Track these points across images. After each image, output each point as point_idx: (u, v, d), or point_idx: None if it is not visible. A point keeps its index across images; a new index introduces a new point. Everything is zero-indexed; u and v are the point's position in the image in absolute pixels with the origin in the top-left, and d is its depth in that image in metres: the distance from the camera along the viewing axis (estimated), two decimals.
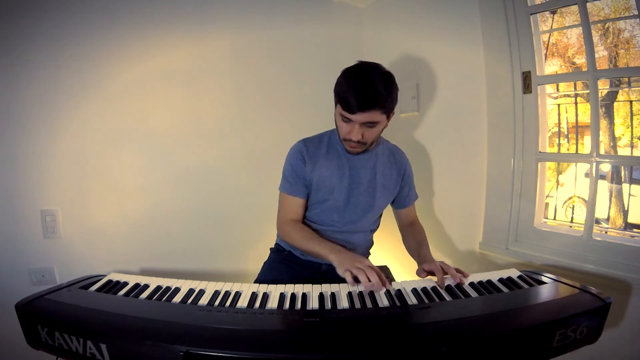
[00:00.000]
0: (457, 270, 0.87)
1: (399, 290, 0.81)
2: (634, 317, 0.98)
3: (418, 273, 0.93)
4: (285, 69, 1.59)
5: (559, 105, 1.92)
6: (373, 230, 1.21)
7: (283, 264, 1.14)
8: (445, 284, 0.84)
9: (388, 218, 1.74)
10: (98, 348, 0.63)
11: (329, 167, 1.08)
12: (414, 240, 1.13)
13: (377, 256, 1.75)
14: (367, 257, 1.22)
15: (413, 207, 1.23)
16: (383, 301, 0.77)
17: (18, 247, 1.25)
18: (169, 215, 1.45)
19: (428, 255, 1.01)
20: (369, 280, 0.80)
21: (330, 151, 1.10)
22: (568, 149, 1.97)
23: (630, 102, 1.91)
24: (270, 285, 0.85)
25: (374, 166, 1.11)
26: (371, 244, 1.24)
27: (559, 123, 1.99)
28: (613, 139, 1.96)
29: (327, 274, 1.10)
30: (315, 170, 1.08)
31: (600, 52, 1.85)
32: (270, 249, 1.24)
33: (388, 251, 1.74)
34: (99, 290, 0.84)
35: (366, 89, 0.92)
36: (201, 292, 0.81)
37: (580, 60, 1.94)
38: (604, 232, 1.27)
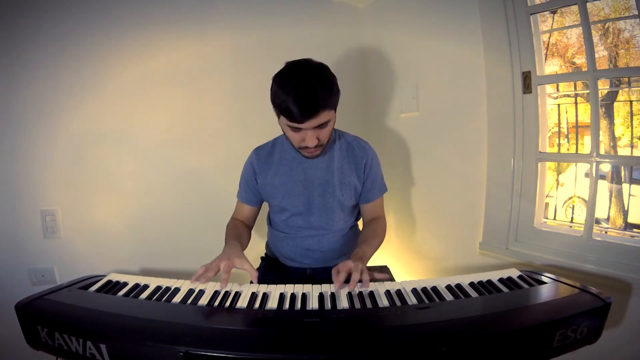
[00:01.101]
0: (374, 273, 0.87)
1: (399, 290, 0.81)
2: (634, 317, 0.98)
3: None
4: None
5: (559, 105, 1.93)
6: (351, 224, 1.16)
7: (271, 271, 1.16)
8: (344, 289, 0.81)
9: (386, 217, 1.74)
10: (98, 348, 0.63)
11: (282, 172, 1.07)
12: (362, 237, 1.07)
13: (377, 256, 1.75)
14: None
15: (378, 202, 1.15)
16: (383, 301, 0.77)
17: (18, 247, 1.25)
18: (169, 215, 1.45)
19: (361, 253, 0.94)
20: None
21: (283, 156, 1.08)
22: (568, 149, 1.97)
23: (630, 102, 1.91)
24: (270, 286, 0.85)
25: (329, 164, 1.06)
26: (353, 237, 1.17)
27: (559, 123, 1.99)
28: (613, 139, 1.97)
29: (313, 277, 1.11)
30: (268, 177, 1.08)
31: (600, 52, 1.85)
32: (261, 257, 1.26)
33: (388, 251, 1.74)
34: (98, 290, 0.84)
35: (306, 95, 0.86)
36: (201, 292, 0.81)
37: (580, 60, 1.94)
38: (604, 232, 1.27)
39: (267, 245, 1.24)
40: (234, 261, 0.88)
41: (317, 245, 1.10)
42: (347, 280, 0.82)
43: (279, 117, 0.96)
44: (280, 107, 0.90)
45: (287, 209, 1.08)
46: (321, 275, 1.12)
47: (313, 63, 0.93)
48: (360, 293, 0.81)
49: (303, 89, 0.87)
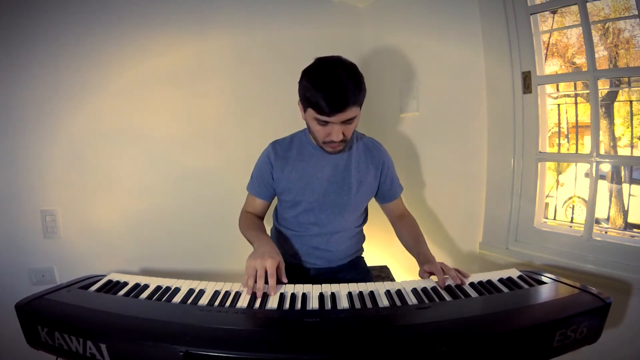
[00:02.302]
0: (457, 271, 0.87)
1: (399, 290, 0.81)
2: (634, 317, 0.98)
3: (420, 275, 0.92)
4: (284, 69, 1.58)
5: (559, 105, 1.93)
6: (359, 227, 1.18)
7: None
8: (446, 284, 0.84)
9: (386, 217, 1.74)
10: (98, 348, 0.63)
11: (300, 168, 1.07)
12: (410, 237, 1.10)
13: (377, 256, 1.75)
14: (358, 255, 1.21)
15: (400, 199, 1.19)
16: (383, 301, 0.77)
17: (18, 247, 1.25)
18: (169, 215, 1.45)
19: (428, 254, 0.99)
20: (255, 286, 0.80)
21: (301, 152, 1.09)
22: (568, 149, 1.97)
23: (630, 102, 1.91)
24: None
25: (347, 163, 1.08)
26: (359, 240, 1.21)
27: (559, 123, 1.99)
28: (613, 139, 1.97)
29: (317, 278, 1.11)
30: (285, 172, 1.08)
31: (600, 52, 1.85)
32: None
33: (388, 251, 1.74)
34: (98, 290, 0.84)
35: (337, 89, 0.89)
36: (201, 292, 0.81)
37: (580, 60, 1.94)
38: (604, 232, 1.27)
39: None
40: (268, 262, 0.84)
41: (325, 244, 1.10)
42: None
43: (305, 111, 0.97)
44: (310, 101, 0.91)
45: (300, 204, 1.08)
46: (324, 276, 1.12)
47: (344, 60, 0.96)
48: (361, 293, 0.81)
49: (334, 84, 0.89)
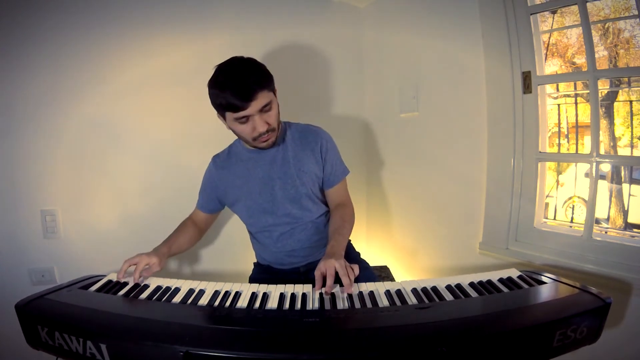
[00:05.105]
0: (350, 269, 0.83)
1: (398, 290, 0.81)
2: (634, 317, 0.98)
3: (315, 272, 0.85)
4: (284, 69, 1.59)
5: (559, 105, 1.93)
6: (323, 216, 1.13)
7: (265, 275, 1.16)
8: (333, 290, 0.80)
9: (386, 217, 1.74)
10: (98, 348, 0.63)
11: (241, 174, 1.09)
12: (333, 226, 1.04)
13: (377, 256, 1.76)
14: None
15: (342, 185, 1.13)
16: (383, 301, 0.77)
17: (18, 247, 1.25)
18: (169, 215, 1.44)
19: (335, 248, 0.92)
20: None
21: (239, 159, 1.11)
22: (568, 149, 1.97)
23: (630, 102, 1.92)
24: (270, 285, 0.85)
25: (284, 156, 1.06)
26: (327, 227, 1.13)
27: (559, 123, 1.99)
28: (613, 139, 1.97)
29: (308, 274, 1.10)
30: (229, 180, 1.10)
31: (600, 52, 1.86)
32: (254, 263, 1.26)
33: (388, 251, 1.74)
34: (98, 290, 0.84)
35: (241, 80, 0.90)
36: (201, 292, 0.82)
37: (580, 60, 1.94)
38: (604, 232, 1.27)
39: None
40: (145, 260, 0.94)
41: (297, 243, 1.09)
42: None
43: (225, 119, 0.98)
44: (223, 105, 0.92)
45: (253, 208, 1.09)
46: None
47: (240, 57, 0.97)
48: (361, 293, 0.81)
49: (237, 77, 0.90)
